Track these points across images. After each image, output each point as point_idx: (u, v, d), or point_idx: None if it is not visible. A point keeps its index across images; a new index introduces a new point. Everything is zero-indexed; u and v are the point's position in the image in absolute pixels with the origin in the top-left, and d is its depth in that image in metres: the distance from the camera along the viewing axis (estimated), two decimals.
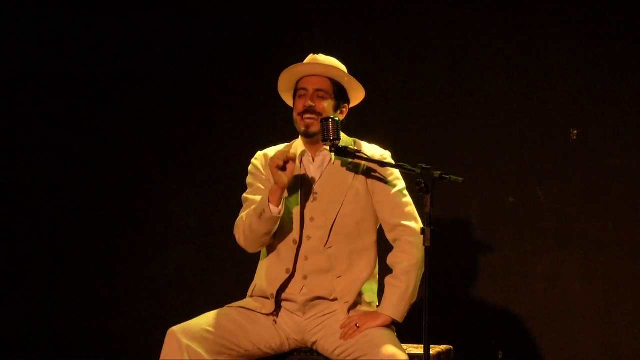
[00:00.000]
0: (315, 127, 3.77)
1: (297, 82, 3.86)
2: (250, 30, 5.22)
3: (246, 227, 3.77)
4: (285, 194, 3.78)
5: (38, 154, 5.46)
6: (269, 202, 3.67)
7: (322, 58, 3.85)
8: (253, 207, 3.76)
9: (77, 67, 5.43)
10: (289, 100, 3.94)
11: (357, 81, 3.84)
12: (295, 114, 3.83)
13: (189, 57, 5.31)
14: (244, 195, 3.91)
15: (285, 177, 3.67)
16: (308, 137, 3.82)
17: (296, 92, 3.85)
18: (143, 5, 5.36)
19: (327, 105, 3.79)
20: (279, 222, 3.75)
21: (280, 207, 3.69)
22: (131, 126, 5.38)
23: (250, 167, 3.94)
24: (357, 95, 3.90)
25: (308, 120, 3.78)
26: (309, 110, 3.78)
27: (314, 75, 3.82)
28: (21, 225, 5.47)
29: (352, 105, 3.92)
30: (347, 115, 3.89)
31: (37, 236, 5.45)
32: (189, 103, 5.31)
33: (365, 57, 4.95)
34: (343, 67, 3.88)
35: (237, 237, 3.85)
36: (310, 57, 3.87)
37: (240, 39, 5.23)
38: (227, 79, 5.25)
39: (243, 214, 3.82)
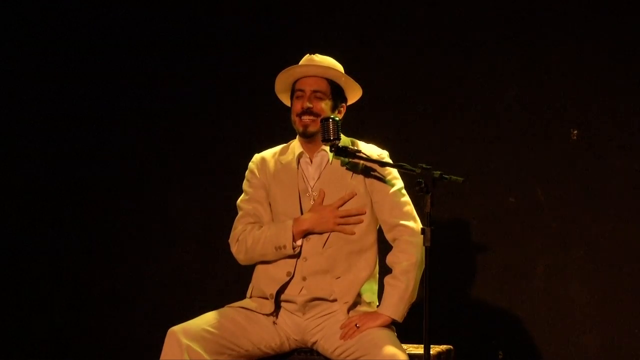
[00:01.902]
0: (314, 127, 3.77)
1: (294, 83, 3.86)
2: (250, 30, 5.22)
3: (252, 250, 3.80)
4: (283, 196, 3.81)
5: (38, 154, 5.46)
6: (293, 239, 3.73)
7: (319, 58, 3.85)
8: (268, 234, 3.77)
9: (77, 67, 5.43)
10: (286, 100, 3.94)
11: (354, 80, 3.84)
12: (293, 115, 3.83)
13: (188, 57, 5.31)
14: (239, 202, 3.91)
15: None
16: (306, 137, 3.82)
17: (293, 93, 3.85)
18: (143, 5, 5.36)
19: (324, 106, 3.79)
20: None
21: (301, 241, 3.76)
22: (131, 126, 5.38)
23: (247, 172, 3.94)
24: (354, 94, 3.90)
25: (306, 120, 3.78)
26: (306, 111, 3.78)
27: (310, 76, 3.82)
28: (21, 226, 5.47)
29: (349, 103, 3.92)
30: (346, 115, 3.89)
31: (37, 236, 5.45)
32: (189, 103, 5.30)
33: (364, 56, 4.95)
34: (339, 67, 3.88)
35: (234, 250, 3.86)
36: (307, 58, 3.86)
37: (240, 38, 5.23)
38: (226, 79, 5.25)
39: (246, 231, 3.83)
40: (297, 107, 3.81)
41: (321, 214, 3.75)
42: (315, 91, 3.79)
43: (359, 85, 3.86)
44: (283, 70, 3.83)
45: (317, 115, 3.77)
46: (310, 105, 3.78)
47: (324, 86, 3.81)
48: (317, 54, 3.86)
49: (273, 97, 3.97)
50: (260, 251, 3.78)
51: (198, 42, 5.29)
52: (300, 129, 3.81)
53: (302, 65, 3.83)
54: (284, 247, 3.74)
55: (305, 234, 3.78)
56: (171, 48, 5.33)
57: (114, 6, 5.40)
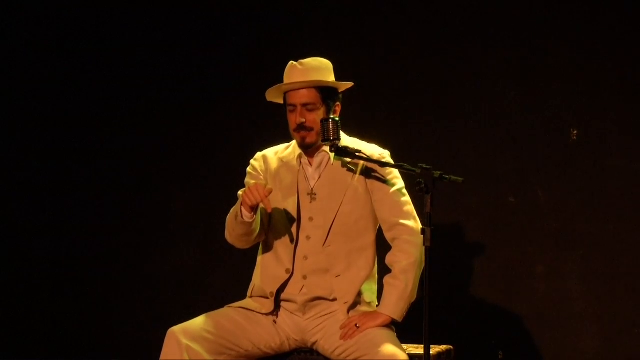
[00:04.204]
0: (311, 139, 3.77)
1: (285, 94, 3.84)
2: (250, 28, 5.22)
3: (228, 226, 3.80)
4: (283, 195, 3.82)
5: (38, 154, 5.46)
6: (242, 205, 3.67)
7: (301, 67, 3.78)
8: (233, 207, 3.77)
9: (77, 66, 5.43)
10: (280, 101, 3.91)
11: (340, 82, 3.82)
12: (290, 129, 3.82)
13: (188, 56, 5.31)
14: (239, 192, 3.91)
15: (250, 212, 3.66)
16: (306, 148, 3.82)
17: (286, 105, 3.83)
18: (142, 6, 5.36)
19: (317, 117, 3.77)
20: (256, 228, 3.73)
21: (252, 213, 3.67)
22: (131, 126, 5.38)
23: (248, 168, 3.94)
24: (345, 87, 3.87)
25: (303, 135, 3.78)
26: (301, 127, 3.77)
27: (298, 89, 3.79)
28: (21, 225, 5.47)
29: (342, 90, 3.87)
30: (347, 116, 3.88)
31: (38, 236, 5.45)
32: (189, 102, 5.30)
33: (364, 57, 4.95)
34: (325, 66, 3.82)
35: (225, 234, 3.86)
36: (290, 67, 3.80)
37: (240, 37, 5.23)
38: (226, 78, 5.25)
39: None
40: (292, 122, 3.80)
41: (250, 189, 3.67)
42: (305, 104, 3.76)
43: (348, 83, 3.84)
44: (268, 90, 3.81)
45: (311, 129, 3.76)
46: (303, 120, 3.76)
47: (313, 96, 3.77)
48: (300, 61, 3.80)
49: None
50: (230, 224, 3.76)
51: (198, 41, 5.29)
52: (299, 141, 3.81)
53: (287, 84, 3.78)
54: (237, 214, 3.69)
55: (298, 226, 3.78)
56: (170, 46, 5.33)
57: (115, 6, 5.39)
